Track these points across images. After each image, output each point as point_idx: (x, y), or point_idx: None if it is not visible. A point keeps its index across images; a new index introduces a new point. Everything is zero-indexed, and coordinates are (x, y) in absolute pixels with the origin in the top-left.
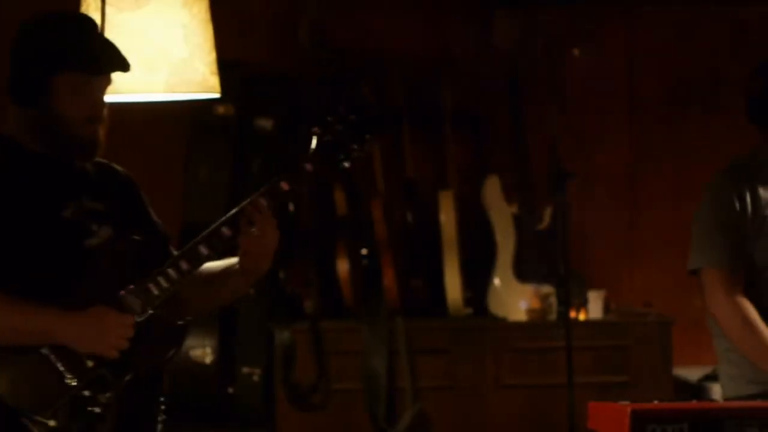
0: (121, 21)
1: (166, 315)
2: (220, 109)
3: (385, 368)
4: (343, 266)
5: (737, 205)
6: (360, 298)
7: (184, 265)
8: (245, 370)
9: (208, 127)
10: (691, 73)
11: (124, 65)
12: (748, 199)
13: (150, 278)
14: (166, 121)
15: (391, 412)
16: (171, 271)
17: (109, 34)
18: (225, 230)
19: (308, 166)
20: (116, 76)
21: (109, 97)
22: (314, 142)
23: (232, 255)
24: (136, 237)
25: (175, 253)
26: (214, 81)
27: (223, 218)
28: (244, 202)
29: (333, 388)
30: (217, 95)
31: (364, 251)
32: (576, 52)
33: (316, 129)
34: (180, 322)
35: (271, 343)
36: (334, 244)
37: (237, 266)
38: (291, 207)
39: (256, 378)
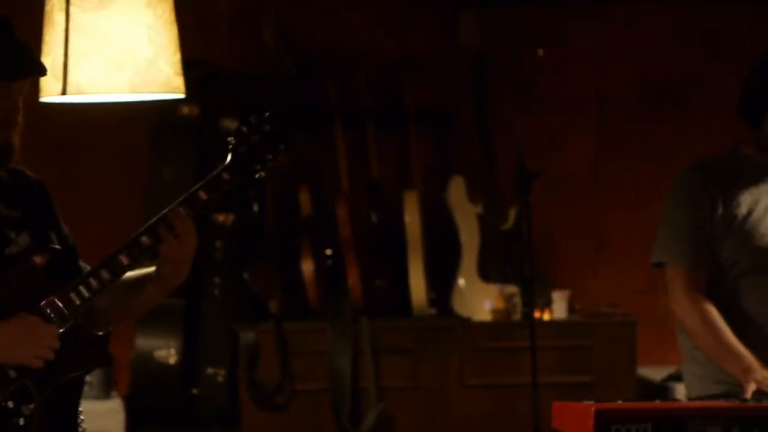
0: (85, 21)
1: (85, 325)
2: (185, 110)
3: (350, 368)
4: (307, 267)
5: (706, 204)
6: (324, 298)
7: (105, 275)
8: (210, 370)
9: (172, 127)
10: (659, 74)
11: (37, 70)
12: (719, 198)
13: (71, 288)
14: (131, 122)
15: (356, 413)
16: (92, 281)
17: (74, 34)
18: (144, 239)
19: (225, 176)
20: (81, 77)
21: (73, 98)
22: (230, 152)
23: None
24: (55, 246)
25: (83, 265)
26: (178, 81)
27: (143, 227)
28: (164, 211)
29: (298, 389)
30: (181, 95)
31: (328, 251)
32: (541, 52)
33: (231, 139)
34: (100, 333)
35: (235, 344)
36: (299, 244)
37: (154, 274)
38: (255, 207)
39: (220, 379)
